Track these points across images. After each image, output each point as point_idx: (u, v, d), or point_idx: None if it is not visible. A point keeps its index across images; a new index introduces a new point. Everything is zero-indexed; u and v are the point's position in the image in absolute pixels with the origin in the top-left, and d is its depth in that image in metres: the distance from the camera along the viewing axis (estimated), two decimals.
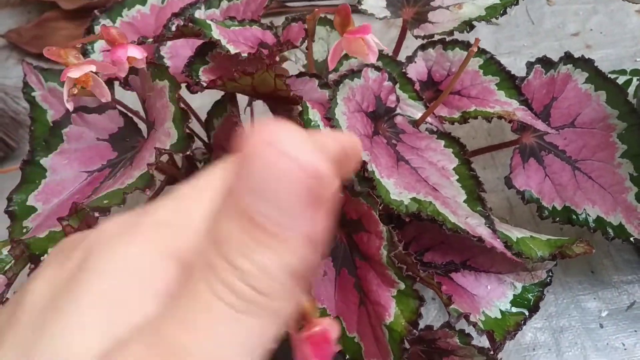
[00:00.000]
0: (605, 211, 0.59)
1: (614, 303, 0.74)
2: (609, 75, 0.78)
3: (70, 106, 0.43)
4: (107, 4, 0.66)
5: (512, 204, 0.81)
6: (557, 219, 0.59)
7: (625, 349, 0.70)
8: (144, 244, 0.20)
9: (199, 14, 0.61)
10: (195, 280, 0.18)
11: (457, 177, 0.49)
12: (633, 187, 0.60)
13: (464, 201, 0.47)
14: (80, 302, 0.19)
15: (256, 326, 0.18)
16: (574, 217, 0.59)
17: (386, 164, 0.48)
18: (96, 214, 0.40)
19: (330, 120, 0.47)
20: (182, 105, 0.46)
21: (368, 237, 0.43)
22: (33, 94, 0.64)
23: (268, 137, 0.18)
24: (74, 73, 0.41)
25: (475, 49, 0.46)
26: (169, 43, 0.62)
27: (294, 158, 0.18)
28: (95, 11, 0.65)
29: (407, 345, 0.39)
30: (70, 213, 0.41)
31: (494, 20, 1.16)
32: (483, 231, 0.46)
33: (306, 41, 0.54)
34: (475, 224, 0.46)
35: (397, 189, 0.46)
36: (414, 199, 0.46)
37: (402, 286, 0.41)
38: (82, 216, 0.40)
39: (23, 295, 0.21)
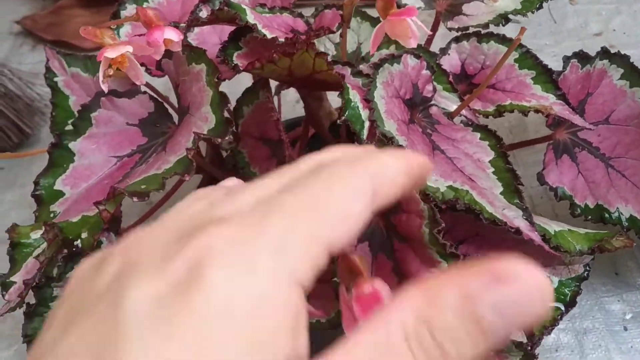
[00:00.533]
0: (638, 210, 0.58)
1: (638, 306, 0.72)
2: None
3: (105, 87, 0.42)
4: None
5: (534, 203, 0.80)
6: (589, 217, 0.58)
7: None
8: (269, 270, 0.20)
9: None
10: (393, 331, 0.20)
11: (493, 169, 0.48)
12: None
13: (501, 193, 0.46)
14: (206, 334, 0.18)
15: None
16: (607, 215, 0.58)
17: (422, 151, 0.47)
18: (134, 199, 0.39)
19: (369, 103, 0.46)
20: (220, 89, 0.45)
21: (407, 217, 0.42)
22: (55, 79, 0.63)
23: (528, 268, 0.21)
24: (111, 53, 0.40)
25: (521, 38, 0.45)
26: (197, 30, 0.61)
27: (545, 298, 0.21)
28: None
29: None
30: (108, 197, 0.40)
31: (517, 18, 1.15)
32: (521, 223, 0.45)
33: (340, 29, 0.53)
34: (512, 216, 0.45)
35: (434, 176, 0.46)
36: (450, 187, 0.45)
37: (445, 266, 0.40)
38: (119, 200, 0.39)
39: (117, 299, 0.19)
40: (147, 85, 0.51)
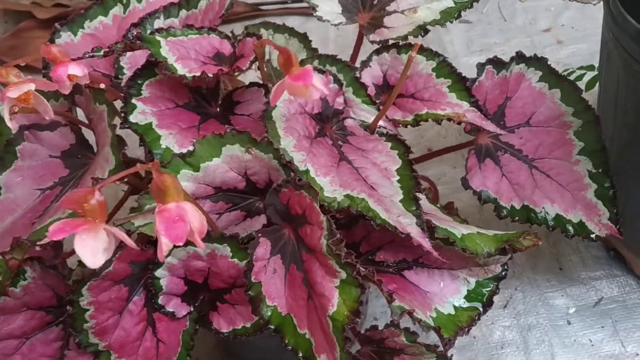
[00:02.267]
0: (564, 209, 0.60)
1: (581, 299, 0.74)
2: (573, 72, 0.78)
3: (13, 125, 0.44)
4: (79, 12, 0.66)
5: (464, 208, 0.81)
6: (516, 218, 0.60)
7: (592, 345, 0.70)
8: None
9: (158, 23, 0.61)
10: None
11: (398, 177, 0.50)
12: (592, 184, 0.61)
13: (400, 201, 0.48)
14: None
15: None
16: (533, 215, 0.60)
17: (325, 163, 0.49)
18: (37, 247, 0.41)
19: (265, 124, 0.48)
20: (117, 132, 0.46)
21: (311, 229, 0.44)
22: None
23: None
24: (13, 92, 0.42)
25: (414, 55, 0.47)
26: (129, 54, 0.62)
27: None
28: (56, 24, 0.65)
29: (350, 335, 0.41)
30: (12, 247, 0.42)
31: (467, 18, 1.16)
32: (413, 230, 0.47)
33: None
34: (406, 223, 0.47)
35: (332, 187, 0.48)
36: (347, 196, 0.47)
37: (344, 275, 0.42)
38: (24, 249, 0.41)
39: None
40: (68, 116, 0.53)
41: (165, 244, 0.34)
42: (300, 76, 0.42)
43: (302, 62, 0.59)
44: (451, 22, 0.59)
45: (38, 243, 0.40)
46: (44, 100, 0.44)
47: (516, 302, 0.75)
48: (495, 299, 0.74)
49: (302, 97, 0.44)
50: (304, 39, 0.67)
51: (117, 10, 0.68)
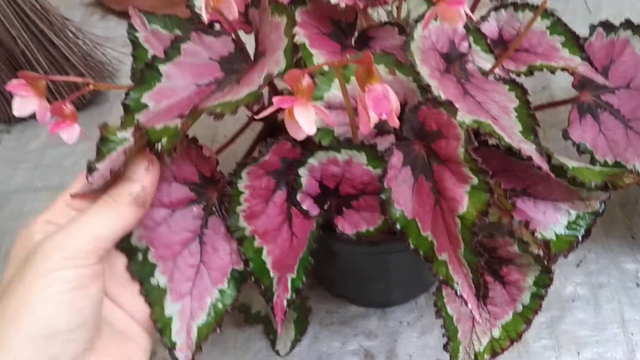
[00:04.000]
0: None
1: None
2: None
3: (206, 16, 0.50)
4: None
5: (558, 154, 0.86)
6: None
7: None
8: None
9: None
10: None
11: (516, 114, 0.55)
12: None
13: (520, 132, 0.53)
14: None
15: None
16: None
17: (453, 94, 0.55)
18: (213, 118, 0.47)
19: (406, 53, 0.54)
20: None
21: (447, 141, 0.49)
22: (136, 34, 0.71)
23: None
24: None
25: (544, 7, 0.52)
26: None
27: None
28: None
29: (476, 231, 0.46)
30: (190, 113, 0.48)
31: (553, 7, 1.21)
32: (533, 154, 0.51)
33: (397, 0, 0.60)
34: (527, 149, 0.52)
35: (461, 112, 0.53)
36: (475, 121, 0.53)
37: (476, 181, 0.47)
38: (198, 116, 0.48)
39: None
40: (232, 28, 0.60)
41: (372, 116, 0.41)
42: (455, 1, 0.48)
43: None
44: None
45: (260, 115, 0.46)
46: (232, 1, 0.51)
47: (589, 262, 0.80)
48: (569, 258, 0.80)
49: (450, 22, 0.49)
50: None
51: None
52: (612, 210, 0.84)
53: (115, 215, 0.48)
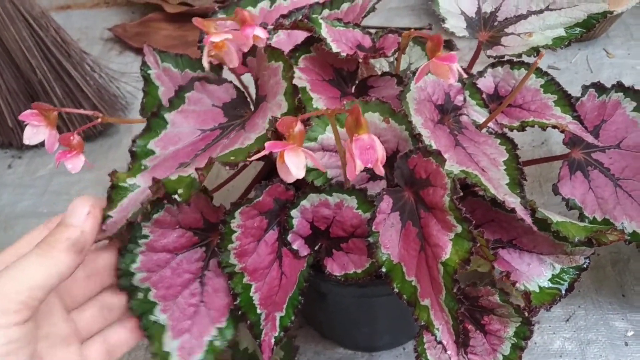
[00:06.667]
0: None
1: None
2: None
3: (206, 65, 0.53)
4: (207, 11, 0.77)
5: (551, 210, 0.87)
6: None
7: None
8: None
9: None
10: None
11: (505, 167, 0.57)
12: None
13: (506, 184, 0.55)
14: None
15: None
16: None
17: (445, 144, 0.57)
18: (227, 168, 0.50)
19: (401, 102, 0.56)
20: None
21: (434, 190, 0.51)
22: (149, 71, 0.74)
23: None
24: (216, 38, 0.52)
25: (538, 63, 0.54)
26: (274, 38, 0.72)
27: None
28: (216, 6, 0.76)
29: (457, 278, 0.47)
30: (206, 165, 0.50)
31: (556, 65, 1.24)
32: (517, 206, 0.53)
33: (397, 53, 0.63)
34: (512, 201, 0.54)
35: (450, 162, 0.55)
36: (463, 171, 0.55)
37: (459, 229, 0.49)
38: (211, 167, 0.50)
39: None
40: (235, 74, 0.63)
41: (358, 165, 0.43)
42: (446, 58, 0.51)
43: None
44: (562, 47, 0.67)
45: (252, 158, 0.48)
46: (233, 51, 0.54)
47: (578, 317, 0.80)
48: (559, 312, 0.81)
49: (442, 77, 0.52)
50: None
51: (264, 4, 0.78)
52: (603, 267, 0.85)
53: (50, 262, 0.45)
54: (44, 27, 1.00)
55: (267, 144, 0.43)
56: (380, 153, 0.44)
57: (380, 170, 0.45)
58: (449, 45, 0.67)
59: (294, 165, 0.43)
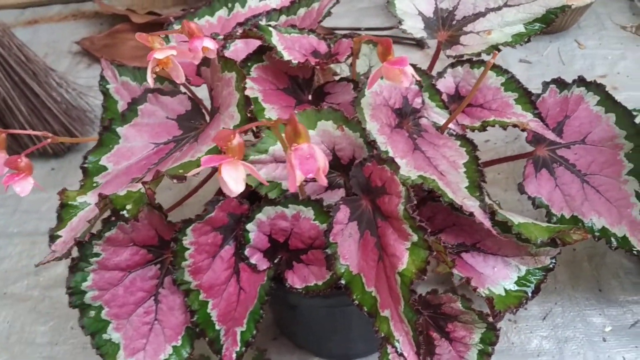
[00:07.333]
0: (610, 223, 0.65)
1: (618, 320, 0.78)
2: None
3: (151, 82, 0.52)
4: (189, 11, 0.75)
5: (524, 206, 0.86)
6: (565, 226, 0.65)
7: None
8: None
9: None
10: None
11: (464, 169, 0.56)
12: (638, 203, 0.66)
13: (465, 187, 0.54)
14: None
15: None
16: (581, 225, 0.65)
17: (402, 148, 0.56)
18: (174, 180, 0.48)
19: (355, 109, 0.55)
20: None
21: (389, 198, 0.50)
22: (107, 86, 0.73)
23: None
24: (159, 54, 0.50)
25: (493, 62, 0.53)
26: (232, 47, 0.71)
27: None
28: (171, 17, 0.75)
29: (415, 289, 0.46)
30: (153, 178, 0.49)
31: (527, 58, 1.22)
32: (476, 210, 0.52)
33: (351, 57, 0.62)
34: (470, 205, 0.52)
35: (407, 168, 0.54)
36: (420, 176, 0.53)
37: (415, 238, 0.48)
38: (160, 181, 0.49)
39: None
40: (187, 88, 0.61)
41: (298, 176, 0.41)
42: (397, 62, 0.49)
43: None
44: (521, 44, 0.66)
45: (189, 173, 0.47)
46: (179, 66, 0.53)
47: (555, 315, 0.79)
48: (535, 310, 0.80)
49: (394, 82, 0.50)
50: None
51: (222, 12, 0.77)
52: (579, 262, 0.84)
53: None
54: (7, 46, 0.98)
55: (203, 158, 0.41)
56: (322, 162, 0.43)
57: (323, 180, 0.43)
58: (421, 44, 0.67)
59: (232, 179, 0.41)
